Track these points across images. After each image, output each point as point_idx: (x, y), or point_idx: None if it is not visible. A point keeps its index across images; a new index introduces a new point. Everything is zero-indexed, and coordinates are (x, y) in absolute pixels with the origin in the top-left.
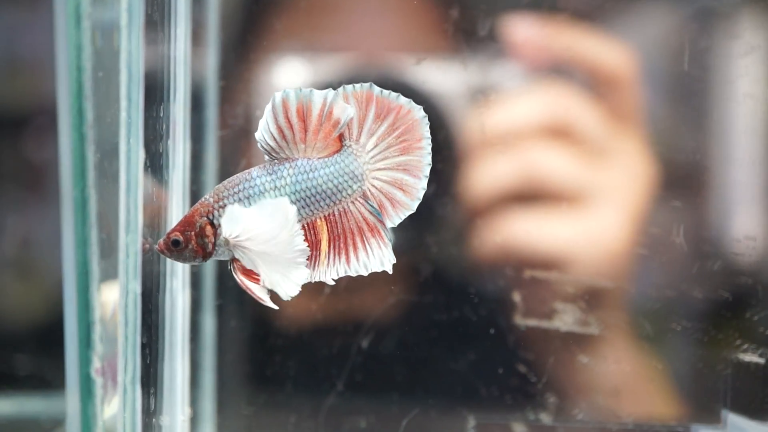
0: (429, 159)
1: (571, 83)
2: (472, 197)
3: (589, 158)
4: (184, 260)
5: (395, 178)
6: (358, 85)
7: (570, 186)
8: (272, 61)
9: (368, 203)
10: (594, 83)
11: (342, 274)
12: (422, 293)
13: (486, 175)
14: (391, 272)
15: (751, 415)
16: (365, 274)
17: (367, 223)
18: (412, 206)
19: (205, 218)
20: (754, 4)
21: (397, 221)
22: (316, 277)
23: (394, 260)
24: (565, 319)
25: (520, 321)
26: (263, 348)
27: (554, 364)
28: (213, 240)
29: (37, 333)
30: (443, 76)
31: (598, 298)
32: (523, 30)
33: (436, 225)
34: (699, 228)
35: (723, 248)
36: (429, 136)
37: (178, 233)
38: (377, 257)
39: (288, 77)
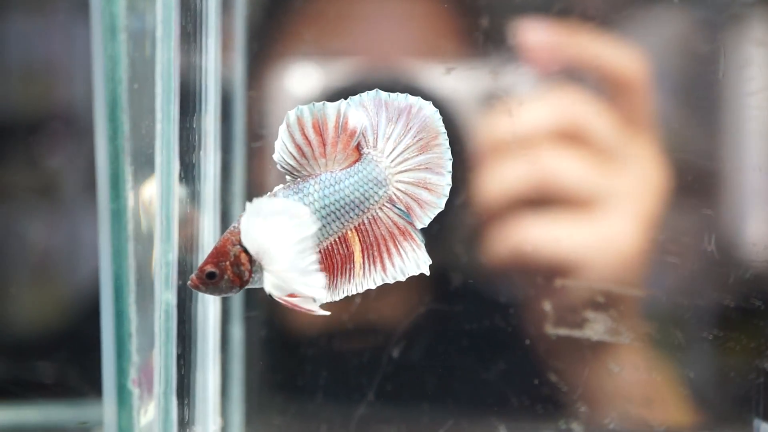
0: (449, 154)
1: (584, 88)
2: (487, 203)
3: (602, 163)
4: (219, 293)
5: (419, 178)
6: (364, 94)
7: (584, 190)
8: (299, 70)
9: (396, 207)
10: (607, 87)
11: (380, 283)
12: (452, 302)
13: (500, 180)
14: (428, 273)
15: None
16: (403, 279)
17: (398, 227)
18: (440, 204)
19: (238, 246)
20: None
21: (427, 221)
22: (353, 290)
23: (429, 261)
24: (596, 328)
25: (551, 330)
26: (293, 358)
27: (585, 373)
28: (249, 267)
29: (53, 339)
30: (457, 81)
31: (628, 307)
32: (536, 34)
33: (461, 232)
34: (731, 236)
35: (755, 256)
36: (444, 130)
37: (211, 265)
38: (412, 260)
39: (315, 86)
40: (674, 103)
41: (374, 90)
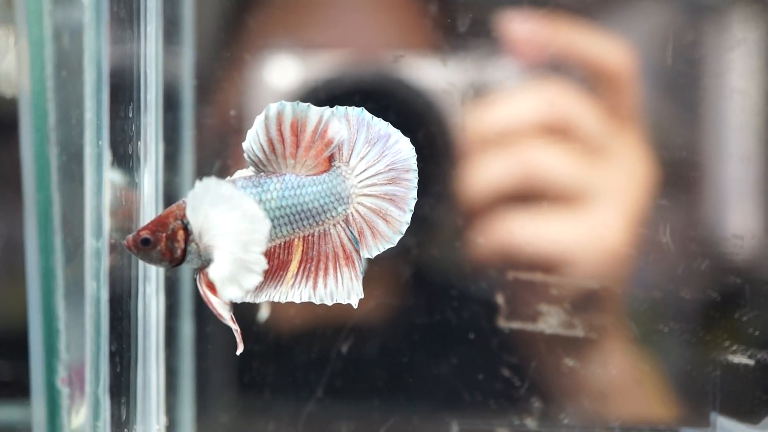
0: (415, 193)
1: (568, 80)
2: (469, 197)
3: (587, 156)
4: (149, 261)
5: (380, 207)
6: (350, 108)
7: (567, 185)
8: (247, 60)
9: (349, 229)
10: (592, 80)
11: (305, 300)
12: (403, 296)
13: (482, 174)
14: (356, 307)
15: (740, 417)
16: (329, 304)
17: (344, 250)
18: (393, 240)
19: (179, 222)
20: None
21: (375, 253)
22: (276, 298)
23: (361, 295)
24: (550, 322)
25: (504, 324)
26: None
27: (539, 367)
28: (183, 246)
29: (24, 338)
30: (438, 73)
31: (584, 300)
32: (521, 27)
33: (424, 226)
34: (686, 227)
35: (710, 247)
36: (416, 168)
37: (148, 232)
38: (346, 288)
39: (264, 76)
40: (659, 95)
41: (361, 108)
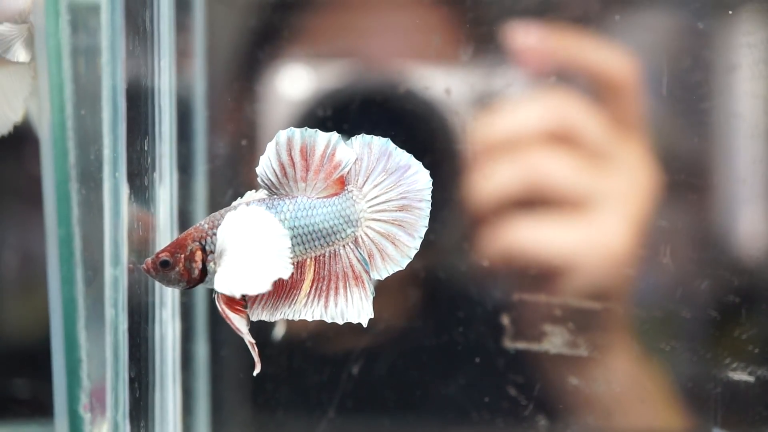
0: (426, 222)
1: (574, 90)
2: (476, 205)
3: (593, 165)
4: (167, 282)
5: (390, 232)
6: (376, 138)
7: (573, 193)
8: (258, 91)
9: (358, 250)
10: (597, 89)
11: (317, 318)
12: (411, 318)
13: (489, 182)
14: (366, 326)
15: None
16: (340, 323)
17: (354, 271)
18: (402, 263)
19: (197, 243)
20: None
21: (384, 275)
22: (290, 316)
23: (371, 315)
24: (554, 342)
25: (510, 344)
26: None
27: (544, 386)
28: (201, 266)
29: (41, 354)
30: (446, 82)
31: (587, 320)
32: (527, 37)
33: (431, 249)
34: (686, 248)
35: (709, 268)
36: (430, 198)
37: (167, 254)
38: (356, 308)
39: (274, 106)
40: (663, 105)
41: (386, 139)
